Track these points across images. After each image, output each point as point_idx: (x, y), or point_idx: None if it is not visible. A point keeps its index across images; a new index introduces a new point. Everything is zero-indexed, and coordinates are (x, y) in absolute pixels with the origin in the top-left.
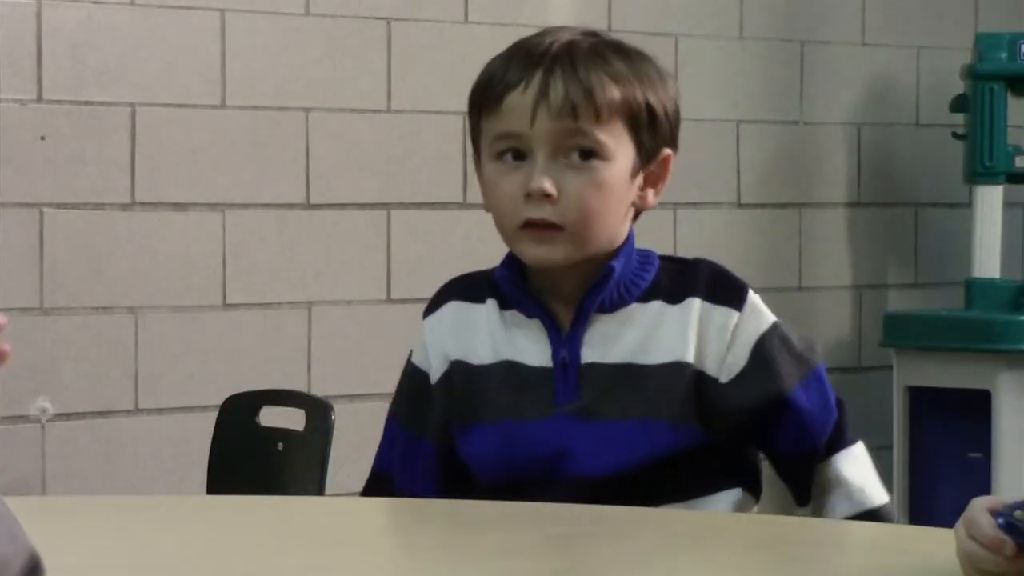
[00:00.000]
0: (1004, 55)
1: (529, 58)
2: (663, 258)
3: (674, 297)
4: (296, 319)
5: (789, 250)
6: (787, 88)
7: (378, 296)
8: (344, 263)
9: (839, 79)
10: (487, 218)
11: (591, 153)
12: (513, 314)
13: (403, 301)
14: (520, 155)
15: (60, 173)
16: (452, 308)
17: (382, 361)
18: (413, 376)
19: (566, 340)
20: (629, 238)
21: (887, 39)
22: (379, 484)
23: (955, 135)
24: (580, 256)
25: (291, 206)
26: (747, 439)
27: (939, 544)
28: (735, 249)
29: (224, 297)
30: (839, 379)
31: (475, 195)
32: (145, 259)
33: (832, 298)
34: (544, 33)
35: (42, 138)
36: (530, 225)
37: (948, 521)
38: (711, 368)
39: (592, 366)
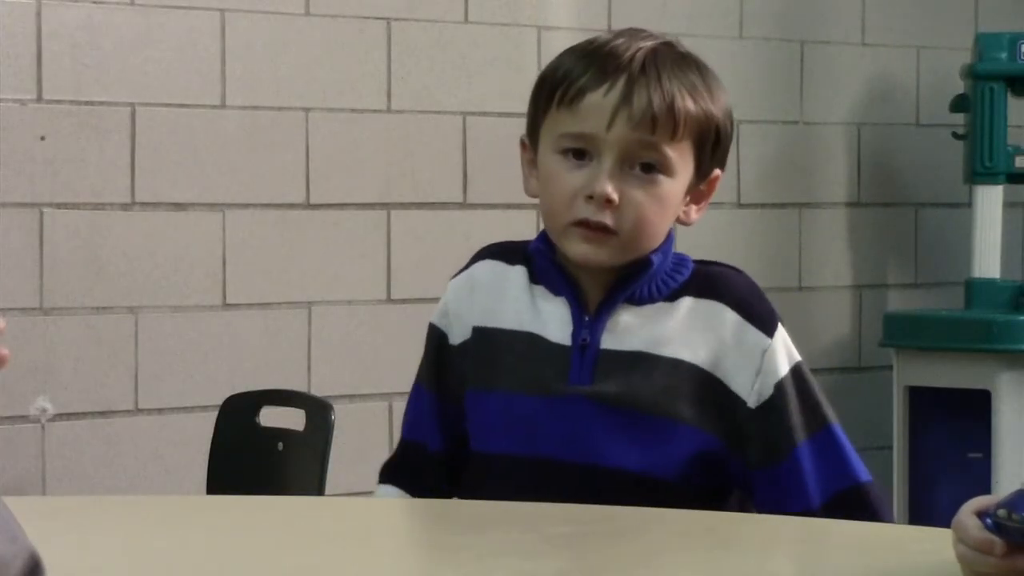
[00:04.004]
0: (1004, 55)
1: (613, 61)
2: (697, 262)
3: (702, 296)
4: (296, 319)
5: (789, 250)
6: (787, 88)
7: (378, 296)
8: (344, 263)
9: (839, 79)
10: (487, 218)
11: (655, 167)
12: (541, 289)
13: (403, 301)
14: (583, 154)
15: (60, 173)
16: (484, 267)
17: (382, 361)
18: (432, 336)
19: (589, 323)
20: (669, 238)
21: (887, 39)
22: (406, 451)
23: (955, 135)
24: (623, 260)
25: (291, 206)
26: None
27: (939, 544)
28: (735, 249)
29: (224, 297)
30: (839, 379)
31: (475, 195)
32: (145, 259)
33: (832, 298)
34: (624, 36)
35: (42, 138)
36: (584, 224)
37: (948, 521)
38: (740, 389)
39: (609, 352)
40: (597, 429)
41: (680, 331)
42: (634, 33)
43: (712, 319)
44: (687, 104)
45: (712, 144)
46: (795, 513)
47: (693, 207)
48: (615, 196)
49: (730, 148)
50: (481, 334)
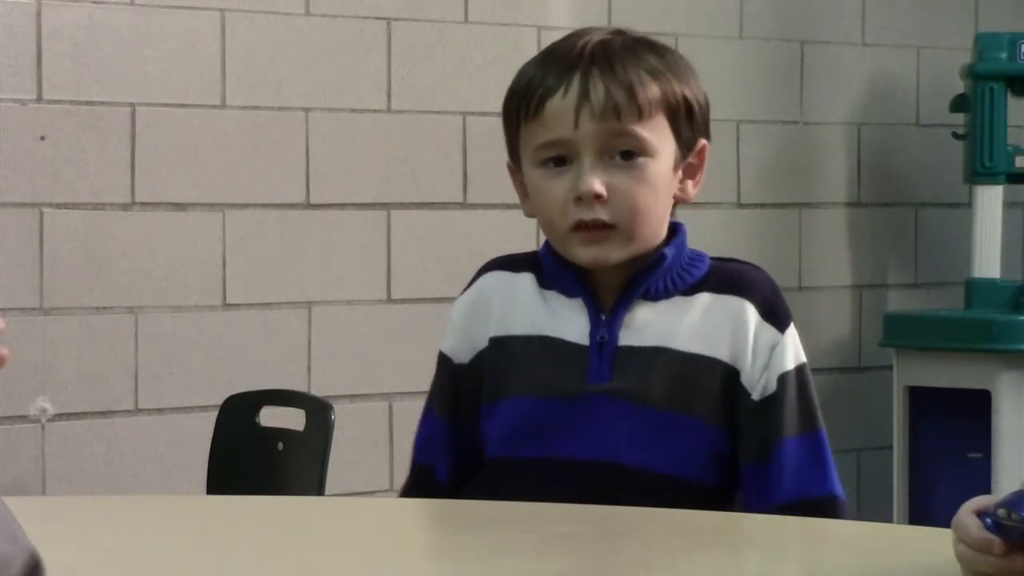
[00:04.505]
0: (1004, 55)
1: (564, 62)
2: (715, 259)
3: (722, 292)
4: (296, 319)
5: (789, 250)
6: (787, 88)
7: (378, 296)
8: (344, 263)
9: (839, 79)
10: (487, 218)
11: (634, 152)
12: (553, 293)
13: (403, 301)
14: (564, 160)
15: (60, 173)
16: (491, 278)
17: (382, 361)
18: (441, 364)
19: (606, 321)
20: (681, 231)
21: (887, 39)
22: (418, 476)
23: (955, 135)
24: (630, 254)
25: (291, 206)
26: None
27: (939, 544)
28: (735, 249)
29: (224, 297)
30: (839, 379)
31: (475, 195)
32: (145, 259)
33: (832, 298)
34: (574, 35)
35: (42, 138)
36: (581, 227)
37: (948, 521)
38: (748, 383)
39: (628, 349)
40: (616, 426)
41: (698, 325)
42: (583, 31)
43: (733, 315)
44: (645, 83)
45: (686, 115)
46: (765, 506)
47: (689, 182)
48: (602, 190)
49: (709, 117)
50: (497, 343)
